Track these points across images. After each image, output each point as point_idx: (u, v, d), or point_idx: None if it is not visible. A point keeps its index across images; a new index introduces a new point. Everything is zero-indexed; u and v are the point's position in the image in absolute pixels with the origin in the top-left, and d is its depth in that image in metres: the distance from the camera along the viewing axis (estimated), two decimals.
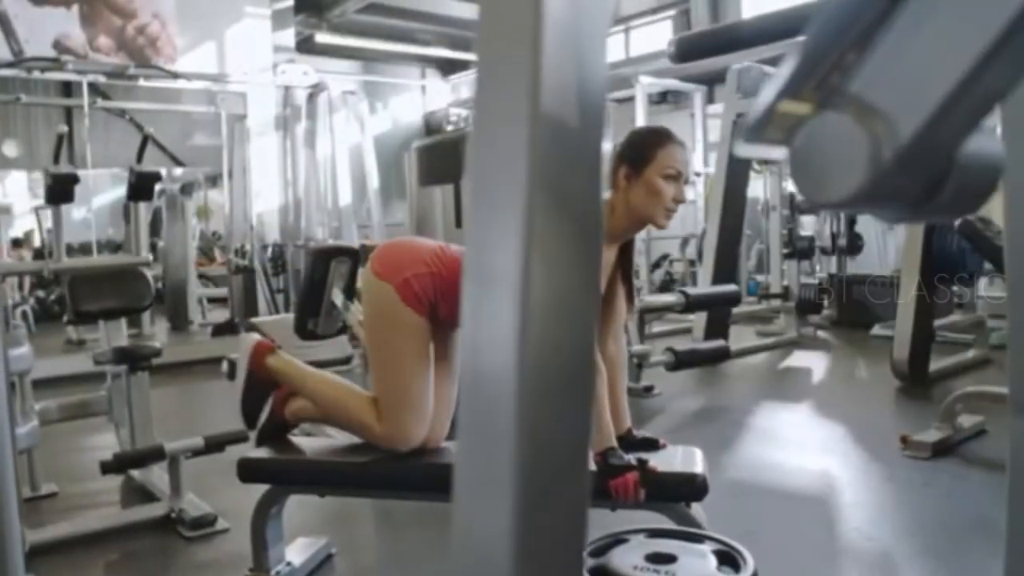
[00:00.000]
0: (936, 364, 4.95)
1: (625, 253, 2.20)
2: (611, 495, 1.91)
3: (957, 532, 2.67)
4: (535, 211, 0.38)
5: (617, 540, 1.47)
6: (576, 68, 0.40)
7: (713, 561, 1.38)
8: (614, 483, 1.90)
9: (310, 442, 2.39)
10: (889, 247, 8.85)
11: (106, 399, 3.61)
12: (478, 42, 0.40)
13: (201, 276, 9.75)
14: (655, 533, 1.52)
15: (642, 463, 1.96)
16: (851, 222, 8.03)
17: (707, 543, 1.46)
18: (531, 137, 0.38)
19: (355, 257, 3.78)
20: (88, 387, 4.09)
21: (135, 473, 3.36)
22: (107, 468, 2.91)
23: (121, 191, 11.07)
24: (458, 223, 4.27)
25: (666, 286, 9.34)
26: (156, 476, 3.28)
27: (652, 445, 2.13)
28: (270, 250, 7.34)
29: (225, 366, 4.16)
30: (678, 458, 2.06)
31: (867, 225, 8.32)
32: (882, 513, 2.94)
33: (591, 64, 0.40)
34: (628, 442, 2.10)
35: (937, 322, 5.02)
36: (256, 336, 2.41)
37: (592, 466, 1.96)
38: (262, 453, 2.28)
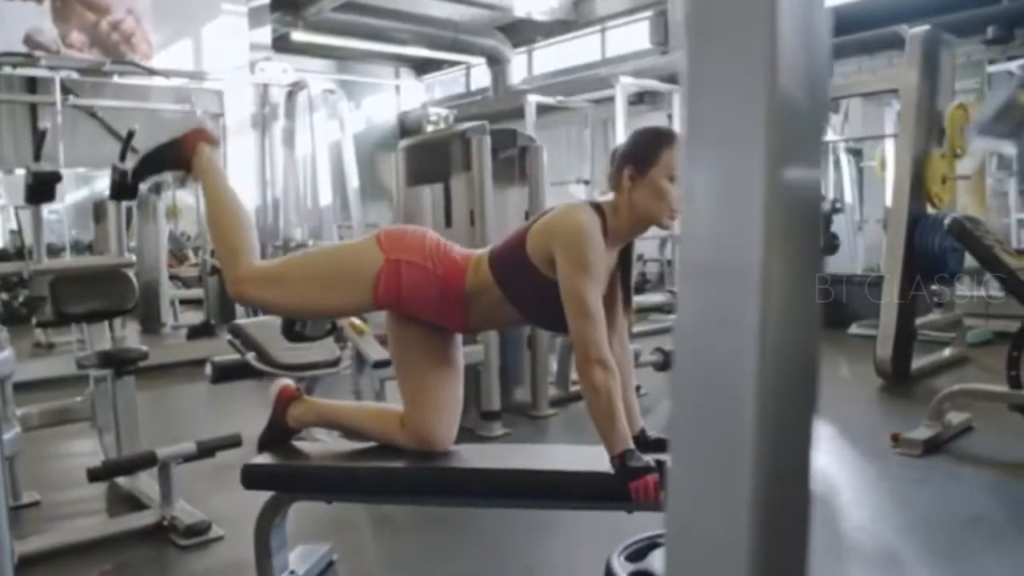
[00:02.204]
0: (915, 362, 5.02)
1: (625, 256, 2.18)
2: (630, 497, 1.89)
3: (957, 529, 2.69)
4: (773, 201, 0.35)
5: (651, 544, 1.45)
6: (805, 44, 0.37)
7: None
8: (634, 485, 1.87)
9: (314, 447, 2.34)
10: (859, 247, 8.98)
11: (89, 404, 3.50)
12: (693, 18, 0.37)
13: (172, 277, 9.56)
14: None
15: (660, 464, 1.94)
16: (827, 222, 8.11)
17: None
18: (769, 121, 0.35)
19: None
20: (61, 391, 3.97)
21: (121, 480, 3.27)
22: (95, 475, 2.82)
23: (86, 191, 10.85)
24: (447, 223, 4.21)
25: (639, 287, 9.36)
26: (143, 483, 3.19)
27: (666, 445, 2.11)
28: None
29: (208, 369, 4.09)
30: None
31: (839, 225, 8.44)
32: (881, 511, 2.96)
33: (819, 40, 0.38)
34: (641, 443, 2.07)
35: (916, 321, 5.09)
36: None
37: (610, 468, 1.94)
38: (266, 459, 2.22)
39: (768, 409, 0.35)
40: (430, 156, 4.46)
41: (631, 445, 1.94)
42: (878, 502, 3.06)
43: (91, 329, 3.51)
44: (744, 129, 0.35)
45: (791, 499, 0.38)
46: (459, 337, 2.28)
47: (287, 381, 2.35)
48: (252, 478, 2.16)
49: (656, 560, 1.36)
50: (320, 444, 2.39)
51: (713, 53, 0.37)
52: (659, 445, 2.10)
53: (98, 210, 8.02)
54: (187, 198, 11.12)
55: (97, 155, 8.40)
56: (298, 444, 2.31)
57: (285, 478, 2.19)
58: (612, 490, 1.91)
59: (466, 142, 4.17)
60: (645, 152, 2.00)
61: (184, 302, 9.38)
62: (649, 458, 1.95)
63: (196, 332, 7.26)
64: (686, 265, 0.37)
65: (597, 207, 2.01)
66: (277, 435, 2.31)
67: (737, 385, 0.34)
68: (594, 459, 2.03)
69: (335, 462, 2.19)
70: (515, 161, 4.53)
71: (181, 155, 2.30)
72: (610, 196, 2.08)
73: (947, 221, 3.72)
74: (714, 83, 0.36)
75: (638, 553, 1.40)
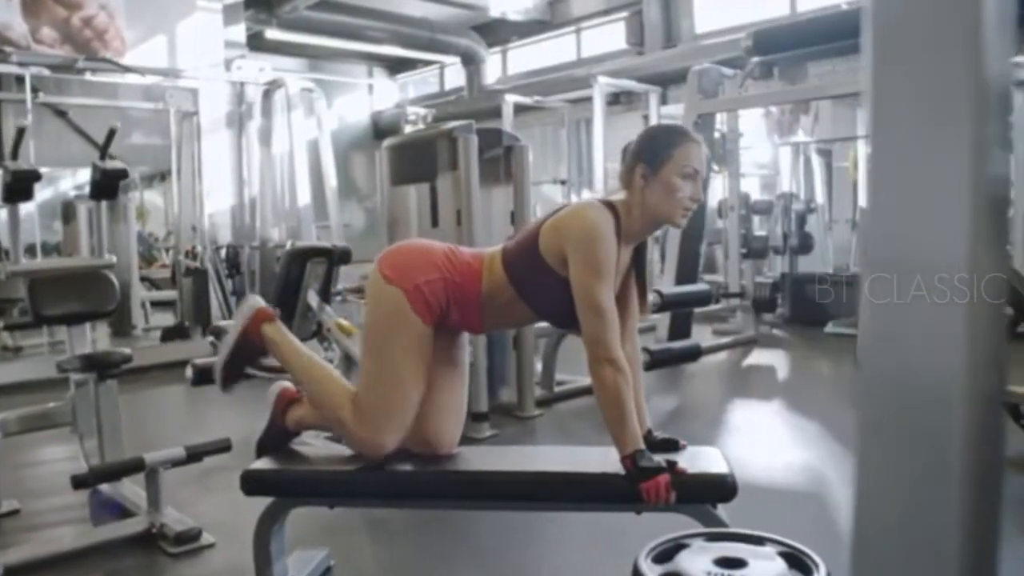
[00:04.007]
0: None
1: (639, 253, 2.18)
2: (642, 498, 1.87)
3: None
4: (978, 197, 0.33)
5: (678, 544, 1.43)
6: (999, 33, 0.36)
7: (783, 564, 1.35)
8: (645, 486, 1.86)
9: (314, 451, 2.29)
10: (828, 246, 9.09)
11: (69, 408, 3.40)
12: (879, 27, 0.35)
13: (142, 279, 9.37)
14: (712, 536, 1.49)
15: (671, 464, 1.93)
16: (801, 222, 8.21)
17: (769, 545, 1.43)
18: (976, 115, 0.33)
19: (331, 258, 3.67)
20: (31, 396, 3.85)
21: (104, 486, 3.18)
22: (80, 482, 2.74)
23: (50, 191, 10.58)
24: (434, 222, 4.18)
25: None
26: (127, 489, 3.11)
27: (673, 446, 2.10)
28: (224, 251, 7.08)
29: (189, 371, 4.00)
30: (702, 459, 2.04)
31: (812, 225, 8.54)
32: None
33: (1007, 31, 0.36)
34: (649, 443, 2.06)
35: None
36: (260, 302, 2.29)
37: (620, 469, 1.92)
38: (266, 464, 2.17)
39: (976, 411, 0.33)
40: (415, 155, 4.41)
41: (642, 445, 1.93)
42: None
43: (72, 332, 3.41)
44: (948, 123, 0.33)
45: (991, 502, 0.37)
46: (465, 339, 2.26)
47: (287, 383, 2.30)
48: (253, 484, 2.11)
49: (684, 561, 1.34)
50: (321, 447, 2.33)
51: (908, 45, 0.35)
52: (666, 445, 2.09)
53: (67, 210, 7.83)
54: (155, 199, 10.92)
55: (63, 154, 8.20)
56: (298, 448, 2.27)
57: (287, 483, 2.15)
58: (623, 491, 1.90)
59: (453, 141, 4.13)
60: (658, 150, 2.00)
61: (155, 304, 9.20)
62: (660, 458, 1.94)
63: (170, 334, 7.11)
64: (875, 263, 0.35)
65: (610, 205, 2.00)
66: (276, 438, 2.26)
67: (944, 391, 0.32)
68: (601, 460, 2.01)
69: (339, 466, 2.13)
70: (500, 161, 4.51)
71: (252, 349, 2.24)
72: (622, 194, 2.07)
73: None
74: (909, 78, 0.35)
75: (665, 554, 1.38)
